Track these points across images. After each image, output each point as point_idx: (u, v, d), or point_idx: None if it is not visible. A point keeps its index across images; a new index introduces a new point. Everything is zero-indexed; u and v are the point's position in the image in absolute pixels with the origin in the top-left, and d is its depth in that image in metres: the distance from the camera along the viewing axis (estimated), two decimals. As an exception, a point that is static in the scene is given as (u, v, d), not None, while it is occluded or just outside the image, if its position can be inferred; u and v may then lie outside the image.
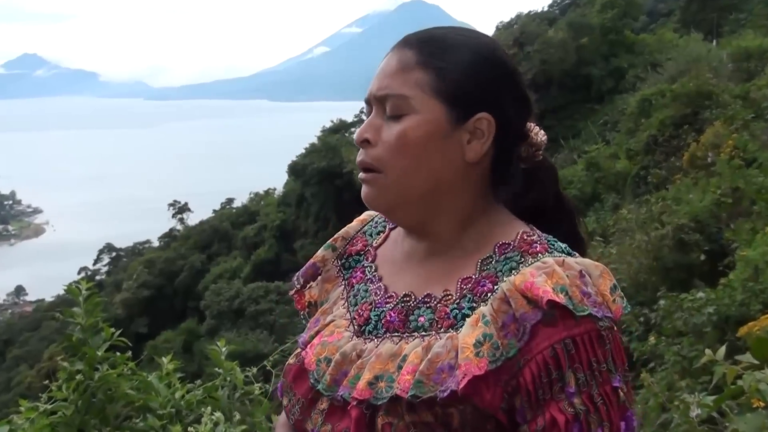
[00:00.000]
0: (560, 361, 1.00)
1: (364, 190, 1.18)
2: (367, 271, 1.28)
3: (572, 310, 1.01)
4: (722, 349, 2.44)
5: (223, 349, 2.79)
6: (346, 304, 1.26)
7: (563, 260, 1.08)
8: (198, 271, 44.10)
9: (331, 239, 1.38)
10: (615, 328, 1.05)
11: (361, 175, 1.18)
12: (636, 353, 6.59)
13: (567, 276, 1.04)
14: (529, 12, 42.96)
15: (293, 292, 1.38)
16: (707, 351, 2.46)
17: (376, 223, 1.37)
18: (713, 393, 2.85)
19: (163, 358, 2.78)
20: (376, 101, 1.18)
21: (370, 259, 1.30)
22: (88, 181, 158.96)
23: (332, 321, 1.25)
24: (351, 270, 1.32)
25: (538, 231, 1.17)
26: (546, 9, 52.37)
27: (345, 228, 1.39)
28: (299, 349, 1.26)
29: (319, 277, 1.35)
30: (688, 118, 15.64)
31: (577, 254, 1.13)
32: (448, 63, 1.14)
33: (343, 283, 1.31)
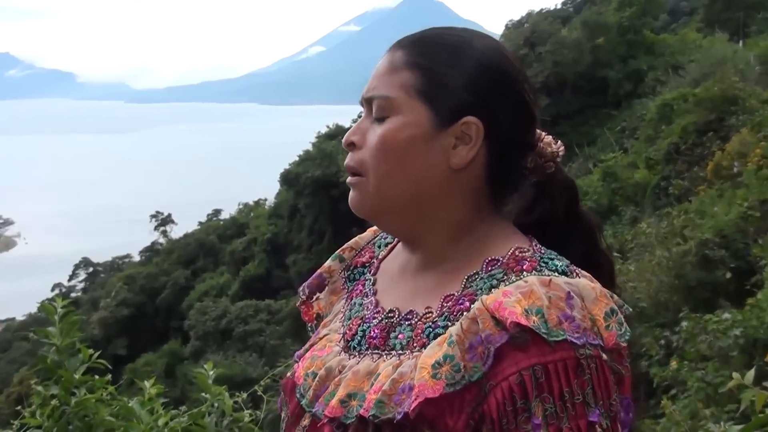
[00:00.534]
0: (527, 389, 0.98)
1: (350, 194, 1.21)
2: (366, 284, 1.30)
3: (544, 335, 0.99)
4: (751, 373, 2.43)
5: (211, 373, 2.79)
6: (343, 317, 1.29)
7: (550, 280, 1.06)
8: (182, 288, 44.07)
9: (340, 249, 1.41)
10: (603, 357, 1.02)
11: (348, 179, 1.21)
12: (656, 379, 6.58)
13: (548, 297, 1.03)
14: (541, 10, 43.21)
15: (299, 303, 1.40)
16: (735, 375, 2.44)
17: (386, 234, 1.38)
18: (740, 422, 2.85)
19: (146, 382, 2.78)
20: (365, 103, 1.21)
21: (372, 271, 1.32)
22: (64, 190, 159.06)
23: (326, 335, 1.28)
24: (355, 282, 1.34)
25: (537, 247, 1.16)
26: (559, 6, 52.66)
27: (356, 238, 1.42)
28: (295, 363, 1.29)
29: (326, 289, 1.38)
30: (713, 125, 15.69)
31: (580, 274, 1.11)
32: (436, 64, 1.16)
33: (345, 296, 1.33)
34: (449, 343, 1.04)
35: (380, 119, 1.17)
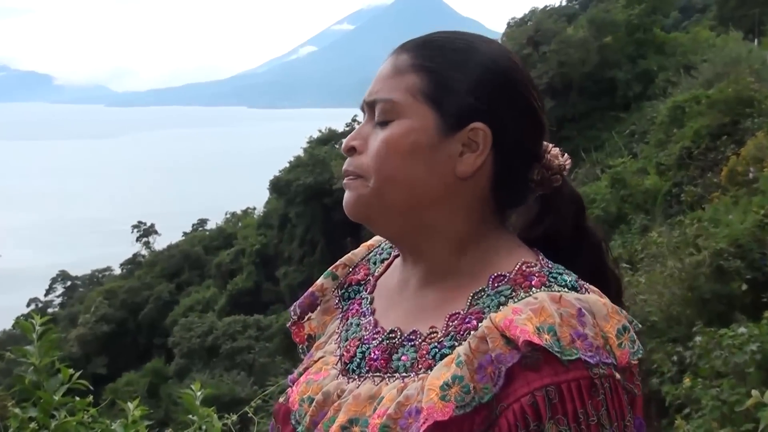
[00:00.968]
0: (540, 411, 0.99)
1: (345, 196, 1.21)
2: (363, 303, 1.30)
3: (557, 354, 1.00)
4: (768, 392, 2.44)
5: (198, 393, 2.79)
6: (338, 338, 1.28)
7: (560, 296, 1.07)
8: (166, 302, 44.01)
9: (332, 266, 1.40)
10: (617, 377, 1.03)
11: (344, 180, 1.21)
12: (669, 397, 6.58)
13: (559, 314, 1.04)
14: (546, 7, 43.36)
15: (290, 324, 1.40)
16: (754, 393, 2.45)
17: (382, 249, 1.39)
18: (757, 443, 2.85)
19: (129, 404, 2.78)
20: (367, 107, 1.21)
21: (369, 289, 1.32)
22: (40, 200, 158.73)
23: (321, 357, 1.28)
24: (350, 301, 1.34)
25: (544, 261, 1.17)
26: (564, 4, 52.83)
27: (348, 254, 1.42)
28: (289, 387, 1.29)
29: (319, 308, 1.37)
30: (727, 128, 15.72)
31: (589, 289, 1.13)
32: (444, 67, 1.16)
33: (340, 315, 1.33)
34: (457, 363, 1.05)
35: (383, 123, 1.17)
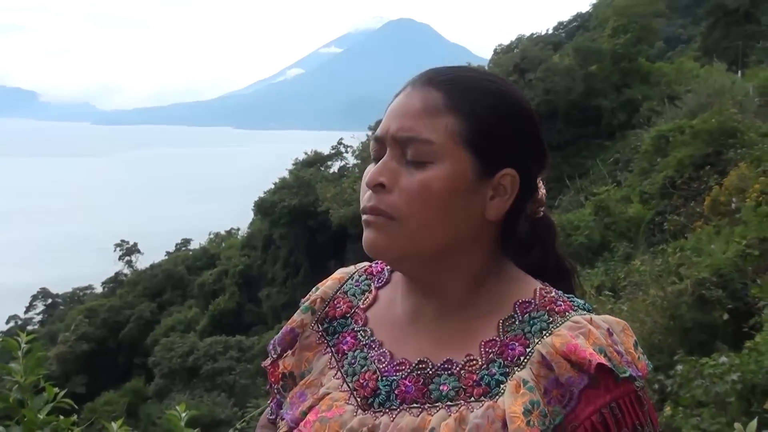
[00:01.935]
0: (609, 427, 1.09)
1: (369, 235, 1.19)
2: (360, 336, 1.29)
3: (614, 372, 1.09)
4: (753, 423, 2.44)
5: (183, 414, 2.79)
6: (339, 374, 1.27)
7: (591, 318, 1.15)
8: (147, 322, 43.67)
9: (307, 301, 1.39)
10: (644, 388, 1.13)
11: (367, 217, 1.19)
12: (650, 426, 6.57)
13: (601, 336, 1.12)
14: (532, 35, 43.65)
15: (269, 362, 1.38)
16: (736, 426, 2.45)
17: (358, 281, 1.38)
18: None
19: (113, 424, 2.77)
20: (394, 142, 1.18)
21: (360, 322, 1.31)
22: (22, 217, 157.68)
23: (327, 394, 1.25)
24: (337, 335, 1.32)
25: (549, 286, 1.22)
26: (550, 32, 53.21)
27: (321, 288, 1.39)
28: (286, 429, 1.27)
29: (297, 345, 1.35)
30: (710, 159, 15.82)
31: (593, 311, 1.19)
32: (479, 111, 1.18)
33: (329, 350, 1.31)
34: (529, 389, 1.10)
35: (418, 164, 1.16)
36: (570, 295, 1.21)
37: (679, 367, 6.90)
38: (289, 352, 1.35)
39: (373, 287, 1.35)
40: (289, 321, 1.37)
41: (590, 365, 1.08)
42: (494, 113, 1.18)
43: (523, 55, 34.25)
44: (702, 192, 14.71)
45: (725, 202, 12.59)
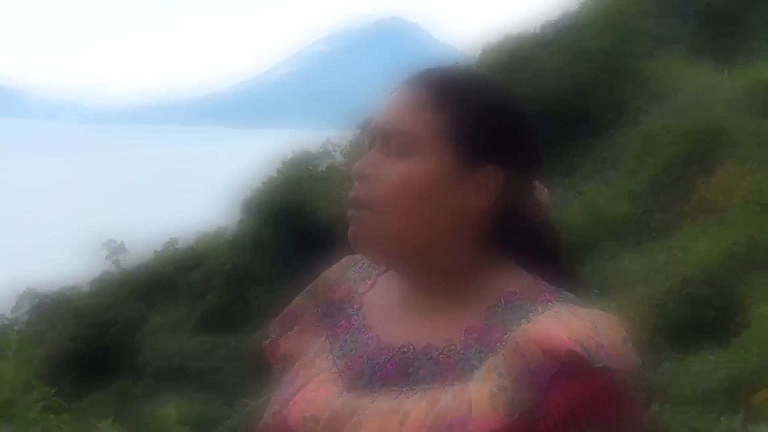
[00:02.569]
0: (578, 417, 1.08)
1: (351, 229, 1.23)
2: (353, 320, 1.32)
3: (589, 362, 1.08)
4: (740, 417, 2.47)
5: (173, 414, 2.79)
6: (331, 356, 1.30)
7: (575, 309, 1.16)
8: (135, 321, 43.46)
9: (310, 285, 1.42)
10: (628, 381, 1.12)
11: (351, 212, 1.23)
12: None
13: (581, 326, 1.12)
14: (520, 34, 43.60)
15: (267, 342, 1.41)
16: (723, 420, 2.48)
17: (361, 268, 1.41)
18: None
19: (104, 422, 2.78)
20: (380, 135, 1.24)
21: (356, 306, 1.34)
22: (7, 217, 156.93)
23: (317, 375, 1.28)
24: (334, 319, 1.35)
25: (544, 281, 1.24)
26: (538, 31, 53.18)
27: (324, 272, 1.43)
28: (275, 408, 1.29)
29: (296, 327, 1.38)
30: (698, 157, 15.87)
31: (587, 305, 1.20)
32: (463, 108, 1.21)
33: (325, 333, 1.34)
34: (498, 375, 1.11)
35: (403, 156, 1.20)
36: (562, 290, 1.22)
37: (666, 365, 6.94)
38: (289, 333, 1.38)
39: (374, 274, 1.38)
40: (291, 303, 1.41)
41: (560, 352, 1.08)
42: (477, 110, 1.21)
43: (511, 55, 34.16)
44: (689, 190, 14.76)
45: (712, 201, 12.63)
